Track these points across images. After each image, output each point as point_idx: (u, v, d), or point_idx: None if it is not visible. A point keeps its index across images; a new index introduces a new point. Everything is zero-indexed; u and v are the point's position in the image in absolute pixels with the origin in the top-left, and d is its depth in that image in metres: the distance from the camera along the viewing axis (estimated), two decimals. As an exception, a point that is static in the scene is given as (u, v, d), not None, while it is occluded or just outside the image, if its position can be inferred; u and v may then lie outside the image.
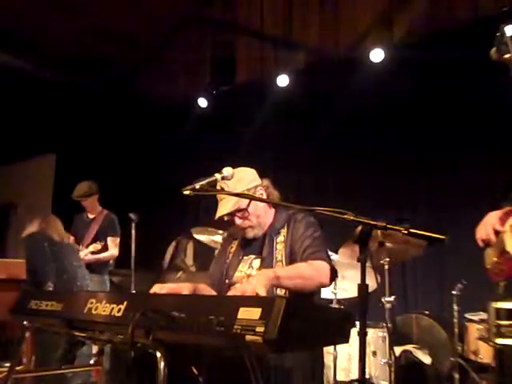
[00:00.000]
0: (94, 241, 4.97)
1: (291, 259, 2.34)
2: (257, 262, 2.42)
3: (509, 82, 1.77)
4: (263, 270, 2.32)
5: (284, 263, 2.33)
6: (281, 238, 2.41)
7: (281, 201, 2.59)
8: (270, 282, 2.02)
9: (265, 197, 2.53)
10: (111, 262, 5.18)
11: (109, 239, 5.00)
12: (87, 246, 4.92)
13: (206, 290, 2.49)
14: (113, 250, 5.02)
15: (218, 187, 2.33)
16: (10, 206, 9.55)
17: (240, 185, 2.43)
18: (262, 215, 2.48)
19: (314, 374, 2.33)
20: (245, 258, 2.49)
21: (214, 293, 2.49)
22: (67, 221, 4.72)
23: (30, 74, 7.12)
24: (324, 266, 2.24)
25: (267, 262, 2.36)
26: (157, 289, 2.18)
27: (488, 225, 2.60)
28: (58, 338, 3.58)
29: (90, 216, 5.20)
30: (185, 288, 2.29)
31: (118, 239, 5.08)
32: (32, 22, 6.40)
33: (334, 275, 2.29)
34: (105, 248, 4.99)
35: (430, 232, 1.61)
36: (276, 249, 2.39)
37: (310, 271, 2.20)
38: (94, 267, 4.80)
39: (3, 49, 6.73)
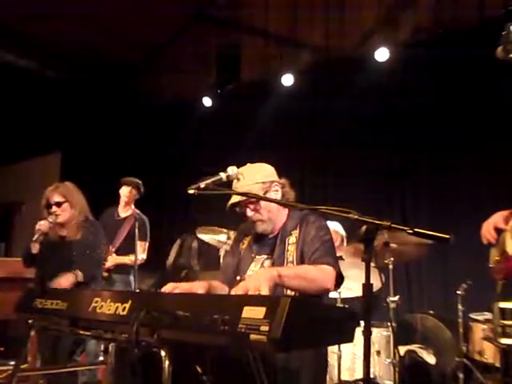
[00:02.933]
0: (123, 243, 4.94)
1: (302, 261, 2.32)
2: (268, 263, 2.41)
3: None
4: (267, 267, 2.32)
5: (295, 265, 2.31)
6: (292, 240, 2.39)
7: (296, 202, 2.54)
8: (273, 280, 2.00)
9: (279, 194, 2.50)
10: None
11: (138, 243, 4.80)
12: (117, 249, 4.92)
13: (220, 287, 2.47)
14: (141, 255, 4.92)
15: (235, 178, 2.32)
16: (15, 204, 9.58)
17: (258, 175, 2.43)
18: (273, 211, 2.46)
19: (317, 373, 2.33)
20: (257, 257, 2.48)
21: (227, 289, 2.46)
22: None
23: (34, 73, 7.15)
24: (329, 271, 2.22)
25: (278, 263, 2.34)
26: (169, 288, 2.15)
27: (491, 222, 2.62)
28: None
29: (122, 215, 5.11)
30: (199, 287, 2.26)
31: (147, 244, 5.03)
32: (36, 21, 6.41)
33: (339, 281, 2.27)
34: (131, 250, 4.85)
35: (435, 231, 1.60)
36: (287, 250, 2.37)
37: (314, 273, 2.18)
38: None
39: (7, 48, 6.76)
